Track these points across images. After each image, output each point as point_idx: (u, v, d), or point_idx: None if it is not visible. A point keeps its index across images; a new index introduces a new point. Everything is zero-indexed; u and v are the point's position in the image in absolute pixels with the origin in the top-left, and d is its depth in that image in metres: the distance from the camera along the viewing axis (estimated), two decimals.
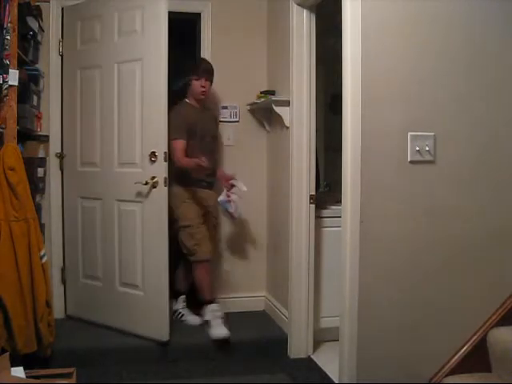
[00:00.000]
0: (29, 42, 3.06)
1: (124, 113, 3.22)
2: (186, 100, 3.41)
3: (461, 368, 2.28)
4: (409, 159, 2.24)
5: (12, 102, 2.61)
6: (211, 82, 3.40)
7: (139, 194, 3.12)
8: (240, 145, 3.78)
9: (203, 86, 3.32)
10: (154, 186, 3.03)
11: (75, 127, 3.46)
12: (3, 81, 2.54)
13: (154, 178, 3.03)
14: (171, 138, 3.16)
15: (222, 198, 3.34)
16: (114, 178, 3.27)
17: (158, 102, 3.03)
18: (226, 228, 3.78)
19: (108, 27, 3.26)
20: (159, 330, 3.04)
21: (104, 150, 3.30)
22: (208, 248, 3.30)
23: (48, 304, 2.67)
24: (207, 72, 3.35)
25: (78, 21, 3.42)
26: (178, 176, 3.30)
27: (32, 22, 3.06)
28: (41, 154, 3.36)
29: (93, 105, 3.35)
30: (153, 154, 3.04)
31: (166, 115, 3.05)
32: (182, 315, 3.45)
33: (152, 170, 3.06)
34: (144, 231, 3.14)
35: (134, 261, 3.17)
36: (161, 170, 3.02)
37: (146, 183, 3.04)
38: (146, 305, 3.11)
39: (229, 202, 3.32)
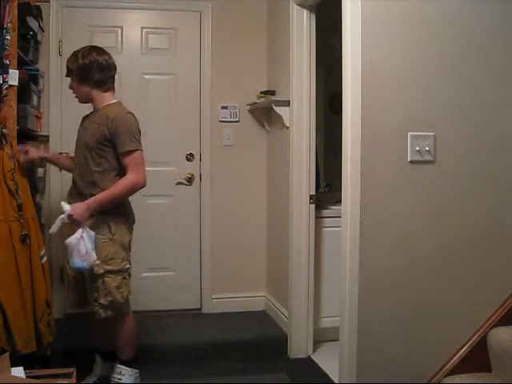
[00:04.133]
0: (29, 42, 3.06)
1: (153, 119, 3.59)
2: None
3: (461, 368, 2.27)
4: (409, 159, 2.23)
5: (12, 102, 2.60)
6: (76, 80, 2.58)
7: (172, 188, 3.69)
8: (240, 145, 3.78)
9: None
10: (191, 181, 3.71)
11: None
12: (3, 81, 2.54)
13: (191, 174, 3.71)
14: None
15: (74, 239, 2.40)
16: None
17: (193, 112, 3.72)
18: (225, 228, 3.78)
19: (133, 40, 3.67)
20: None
21: None
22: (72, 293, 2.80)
23: (48, 304, 2.67)
24: (66, 68, 2.62)
25: (85, 26, 3.57)
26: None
27: (32, 22, 3.06)
28: None
29: None
30: (190, 154, 3.70)
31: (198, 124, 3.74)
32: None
33: (189, 167, 3.71)
34: (179, 221, 3.70)
35: (166, 246, 3.68)
36: (196, 167, 3.72)
37: (188, 179, 3.70)
38: (177, 282, 3.70)
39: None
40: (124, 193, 2.47)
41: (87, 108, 3.52)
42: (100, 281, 2.47)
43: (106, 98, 2.59)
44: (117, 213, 2.52)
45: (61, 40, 3.52)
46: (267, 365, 3.02)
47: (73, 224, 2.39)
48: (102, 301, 2.47)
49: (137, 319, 2.65)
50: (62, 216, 2.37)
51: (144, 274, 3.61)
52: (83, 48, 2.61)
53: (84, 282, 2.57)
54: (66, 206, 2.39)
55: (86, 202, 2.42)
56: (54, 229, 2.39)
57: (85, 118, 2.71)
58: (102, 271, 2.46)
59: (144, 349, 3.01)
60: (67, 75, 2.62)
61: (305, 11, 3.06)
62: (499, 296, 2.32)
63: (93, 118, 2.58)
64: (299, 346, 3.09)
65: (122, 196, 2.48)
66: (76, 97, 2.66)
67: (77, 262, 2.38)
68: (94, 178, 2.49)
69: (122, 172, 2.50)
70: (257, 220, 3.81)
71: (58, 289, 3.47)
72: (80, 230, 2.38)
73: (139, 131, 2.53)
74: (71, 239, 2.37)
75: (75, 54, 2.57)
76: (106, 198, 2.43)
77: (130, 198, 2.61)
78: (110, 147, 2.48)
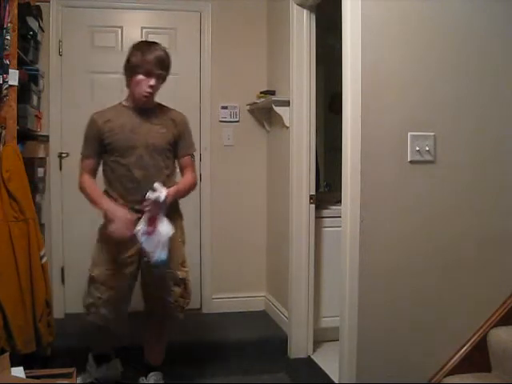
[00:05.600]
0: (29, 42, 3.06)
1: None
2: (122, 101, 2.53)
3: (461, 368, 2.27)
4: (409, 159, 2.23)
5: (12, 102, 2.61)
6: (164, 78, 2.44)
7: None
8: (240, 145, 3.78)
9: (151, 86, 2.38)
10: None
11: (81, 128, 3.49)
12: (3, 81, 2.54)
13: None
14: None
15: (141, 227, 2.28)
16: None
17: (193, 112, 3.55)
18: (225, 228, 3.77)
19: (133, 40, 3.47)
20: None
21: None
22: (110, 316, 2.43)
23: (48, 304, 2.67)
24: (158, 65, 2.37)
25: (85, 26, 3.56)
26: None
27: (32, 22, 3.06)
28: (41, 154, 3.36)
29: None
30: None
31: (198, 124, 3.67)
32: None
33: None
34: None
35: None
36: (197, 167, 3.50)
37: None
38: None
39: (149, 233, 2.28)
40: (192, 189, 2.57)
41: (87, 107, 3.54)
42: (183, 286, 2.50)
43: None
44: (180, 212, 2.57)
45: (61, 40, 3.52)
46: (267, 365, 3.02)
47: (156, 208, 2.25)
48: (184, 304, 2.52)
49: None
50: (159, 195, 2.24)
51: None
52: (155, 44, 2.45)
53: (127, 290, 2.48)
54: (162, 189, 2.26)
55: (171, 189, 2.35)
56: (150, 194, 2.24)
57: (127, 113, 2.46)
58: (185, 275, 2.50)
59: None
60: (162, 76, 2.40)
61: (305, 11, 3.06)
62: (499, 296, 2.32)
63: (152, 120, 2.46)
64: (299, 345, 3.09)
65: (190, 192, 2.55)
66: (149, 99, 2.45)
67: (167, 254, 2.27)
68: (164, 180, 2.41)
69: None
70: (257, 220, 3.81)
71: (58, 289, 3.48)
72: (166, 220, 2.28)
73: None
74: (163, 231, 2.26)
75: (163, 52, 2.40)
76: (183, 191, 2.48)
77: None
78: (173, 150, 2.51)
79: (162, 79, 2.42)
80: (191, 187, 2.55)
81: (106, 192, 2.46)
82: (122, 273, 2.42)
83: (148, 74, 2.36)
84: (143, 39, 3.65)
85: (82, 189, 2.46)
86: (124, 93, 3.51)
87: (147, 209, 2.26)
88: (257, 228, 3.81)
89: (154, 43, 2.47)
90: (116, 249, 2.40)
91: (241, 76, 3.75)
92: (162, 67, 2.38)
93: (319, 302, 3.19)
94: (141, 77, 2.36)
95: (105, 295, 2.40)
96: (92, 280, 2.42)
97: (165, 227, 2.28)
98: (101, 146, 2.44)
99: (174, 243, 2.38)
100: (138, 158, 2.39)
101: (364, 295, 2.21)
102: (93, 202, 2.41)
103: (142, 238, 2.26)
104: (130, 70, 2.40)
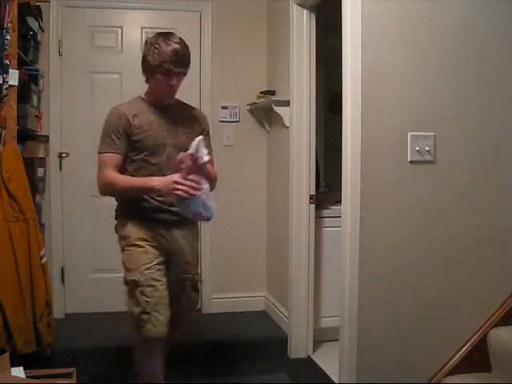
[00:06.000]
0: (29, 42, 3.06)
1: None
2: (141, 95, 2.41)
3: (461, 368, 2.27)
4: (409, 159, 2.23)
5: (12, 102, 2.61)
6: (185, 73, 2.32)
7: None
8: (240, 145, 3.78)
9: (172, 85, 2.28)
10: None
11: (81, 128, 3.52)
12: (3, 81, 2.55)
13: None
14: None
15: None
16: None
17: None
18: (225, 228, 3.77)
19: (133, 40, 3.65)
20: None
21: None
22: (163, 318, 2.21)
23: (48, 304, 2.67)
24: (179, 63, 2.23)
25: (85, 26, 3.57)
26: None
27: (32, 22, 3.06)
28: (41, 154, 3.36)
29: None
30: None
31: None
32: None
33: None
34: None
35: None
36: None
37: None
38: None
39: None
40: (213, 182, 2.35)
41: (87, 107, 3.55)
42: (198, 292, 2.55)
43: None
44: None
45: (61, 40, 3.52)
46: (267, 365, 3.02)
47: (194, 167, 2.10)
48: (196, 308, 2.61)
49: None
50: (204, 154, 2.09)
51: None
52: (173, 37, 2.25)
53: (167, 287, 2.27)
54: (206, 156, 2.12)
55: None
56: (192, 150, 2.08)
57: (151, 110, 2.33)
58: (200, 280, 2.53)
59: None
60: (183, 72, 2.29)
61: (305, 11, 3.06)
62: (499, 296, 2.32)
63: (176, 117, 2.35)
64: (299, 345, 3.09)
65: (214, 183, 2.36)
66: (172, 96, 2.36)
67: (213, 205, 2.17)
68: None
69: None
70: (257, 220, 3.81)
71: (58, 289, 3.48)
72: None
73: None
74: (204, 189, 2.13)
75: (182, 46, 2.24)
76: (211, 175, 2.30)
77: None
78: None
79: (183, 75, 2.29)
80: (215, 178, 2.39)
81: None
82: (161, 269, 2.26)
83: (169, 73, 2.23)
84: (143, 39, 3.66)
85: (111, 184, 2.24)
86: (124, 93, 3.55)
87: (184, 165, 2.10)
88: (257, 228, 3.81)
89: (171, 35, 2.27)
90: (150, 251, 2.27)
91: (241, 76, 3.75)
92: (182, 64, 2.24)
93: (319, 302, 3.19)
94: (162, 76, 2.24)
95: (153, 298, 2.18)
96: (134, 285, 2.20)
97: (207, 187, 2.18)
98: (128, 142, 2.27)
99: (195, 249, 2.40)
100: (168, 157, 2.26)
101: (364, 295, 2.21)
102: (136, 189, 2.24)
103: (185, 202, 2.13)
104: (150, 68, 2.26)
